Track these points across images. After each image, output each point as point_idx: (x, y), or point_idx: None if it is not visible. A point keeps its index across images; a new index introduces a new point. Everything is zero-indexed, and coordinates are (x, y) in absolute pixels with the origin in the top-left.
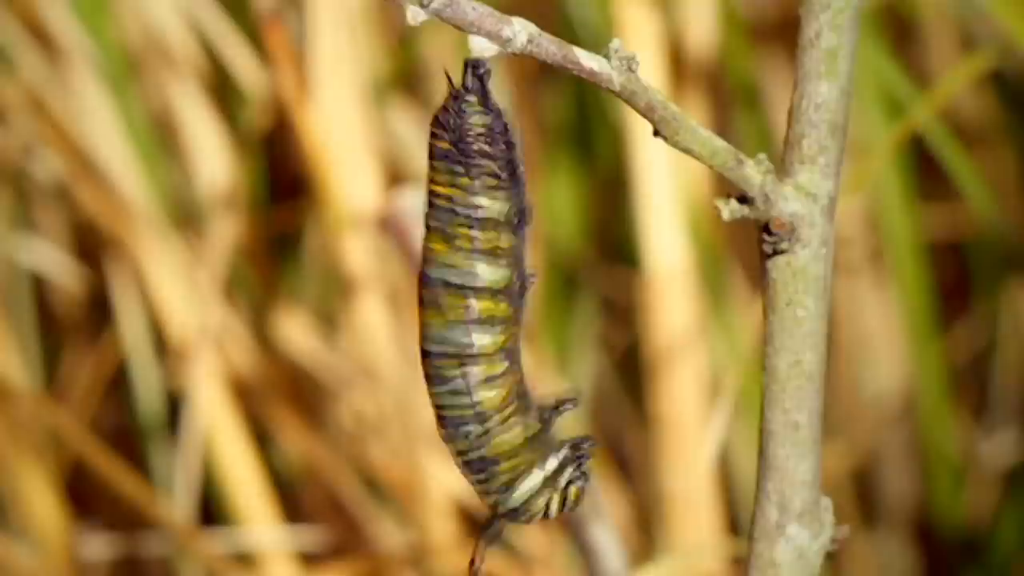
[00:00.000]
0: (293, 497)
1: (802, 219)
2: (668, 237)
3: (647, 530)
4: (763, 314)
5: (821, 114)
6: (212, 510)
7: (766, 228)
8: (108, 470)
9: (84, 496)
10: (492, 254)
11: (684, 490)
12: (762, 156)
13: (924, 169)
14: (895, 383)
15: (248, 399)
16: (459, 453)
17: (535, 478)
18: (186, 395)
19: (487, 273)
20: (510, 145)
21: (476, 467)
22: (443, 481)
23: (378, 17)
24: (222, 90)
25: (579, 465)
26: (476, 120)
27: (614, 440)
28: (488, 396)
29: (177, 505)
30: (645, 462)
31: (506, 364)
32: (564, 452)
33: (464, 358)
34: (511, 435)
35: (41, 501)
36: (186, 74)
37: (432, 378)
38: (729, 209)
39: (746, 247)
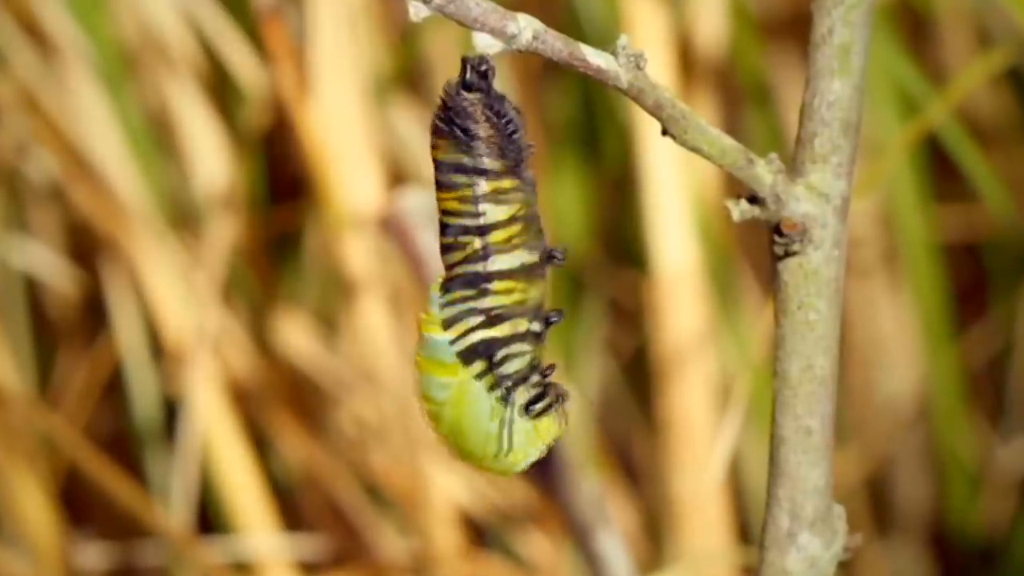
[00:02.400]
0: (293, 504)
1: (814, 220)
2: (677, 238)
3: (655, 538)
4: (774, 317)
5: (834, 112)
6: (210, 517)
7: (777, 229)
8: (103, 476)
9: (79, 503)
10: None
11: (693, 497)
12: (773, 155)
13: (939, 168)
14: (909, 388)
15: (247, 404)
16: (451, 266)
17: (519, 325)
18: (183, 400)
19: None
20: (513, 132)
21: (467, 284)
22: (446, 488)
23: (379, 13)
24: (220, 88)
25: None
26: (477, 110)
27: (621, 445)
28: (494, 210)
29: (174, 512)
30: (653, 468)
31: (516, 183)
32: (544, 322)
33: (473, 171)
34: (511, 257)
35: (35, 508)
36: (183, 72)
37: (441, 184)
38: (739, 210)
39: (756, 249)
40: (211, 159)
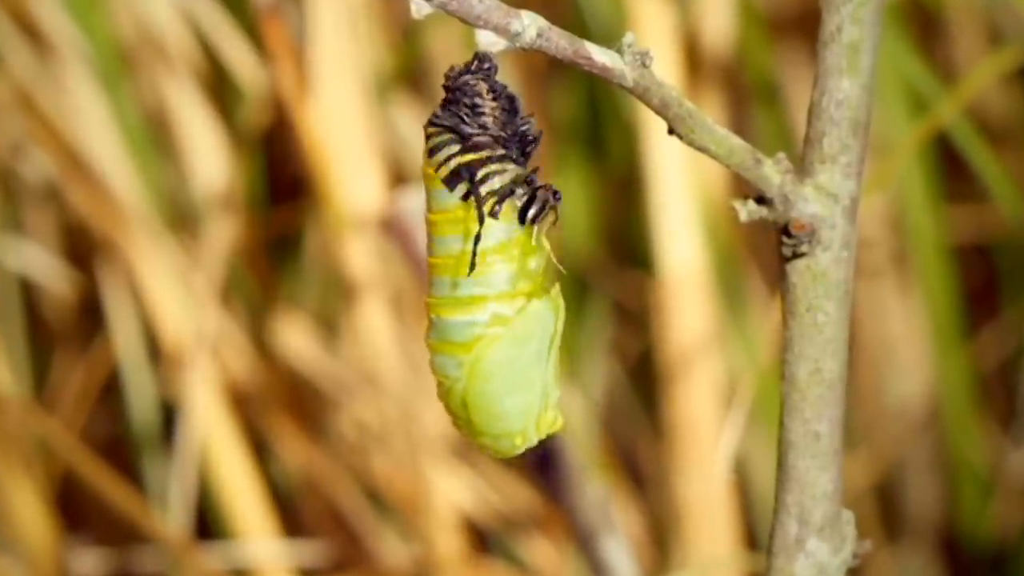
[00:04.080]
0: (292, 510)
1: (823, 221)
2: (683, 239)
3: (661, 544)
4: (782, 320)
5: (843, 111)
6: (208, 523)
7: (785, 230)
8: (100, 482)
9: (75, 509)
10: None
11: (699, 502)
12: (781, 155)
13: (949, 168)
14: (919, 391)
15: (246, 407)
16: (429, 143)
17: (499, 150)
18: (181, 403)
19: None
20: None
21: (449, 106)
22: (448, 492)
23: (381, 11)
24: (219, 87)
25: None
26: (479, 89)
27: (627, 450)
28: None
29: (172, 518)
30: (659, 472)
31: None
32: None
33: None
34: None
35: (30, 514)
36: (182, 71)
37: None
38: (747, 210)
39: (764, 250)
40: (210, 159)
